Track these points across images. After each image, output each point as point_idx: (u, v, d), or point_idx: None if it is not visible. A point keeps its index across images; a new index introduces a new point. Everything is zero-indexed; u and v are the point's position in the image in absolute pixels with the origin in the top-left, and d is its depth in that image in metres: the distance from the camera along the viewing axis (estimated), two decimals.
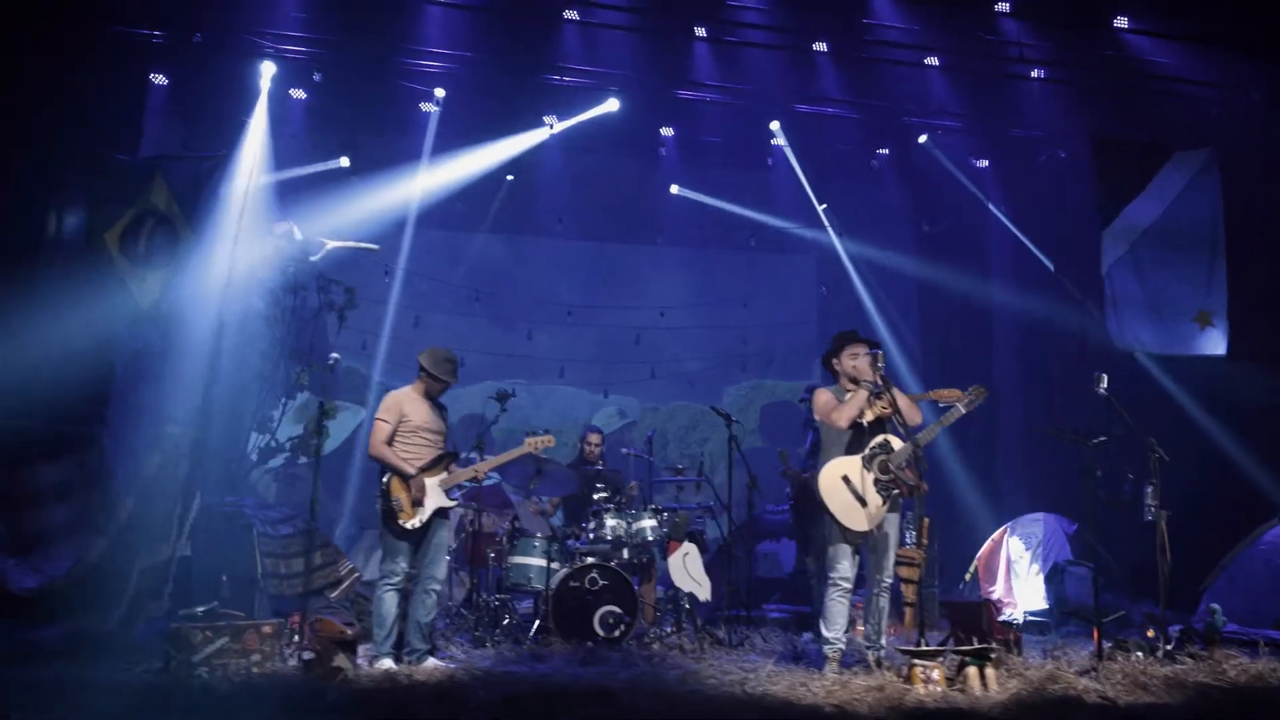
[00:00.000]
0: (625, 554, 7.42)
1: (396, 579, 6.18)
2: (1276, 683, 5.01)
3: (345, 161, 11.08)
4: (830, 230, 12.61)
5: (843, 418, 5.92)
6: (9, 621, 6.29)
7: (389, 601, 6.09)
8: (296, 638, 5.71)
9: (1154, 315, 8.34)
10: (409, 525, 6.20)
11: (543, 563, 7.36)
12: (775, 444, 13.01)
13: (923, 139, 11.06)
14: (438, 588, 6.27)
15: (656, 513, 7.58)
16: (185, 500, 6.69)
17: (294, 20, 9.85)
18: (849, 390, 6.07)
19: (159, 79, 9.95)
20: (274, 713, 3.92)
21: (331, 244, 7.81)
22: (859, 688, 4.82)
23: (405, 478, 6.26)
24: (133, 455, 7.19)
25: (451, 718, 3.92)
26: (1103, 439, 6.18)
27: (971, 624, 5.87)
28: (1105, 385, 6.44)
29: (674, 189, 12.38)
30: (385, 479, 6.34)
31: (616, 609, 6.95)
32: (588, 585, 6.99)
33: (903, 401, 5.88)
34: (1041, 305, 10.73)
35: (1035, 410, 11.17)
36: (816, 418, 6.18)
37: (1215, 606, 6.60)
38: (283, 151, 10.14)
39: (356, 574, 8.07)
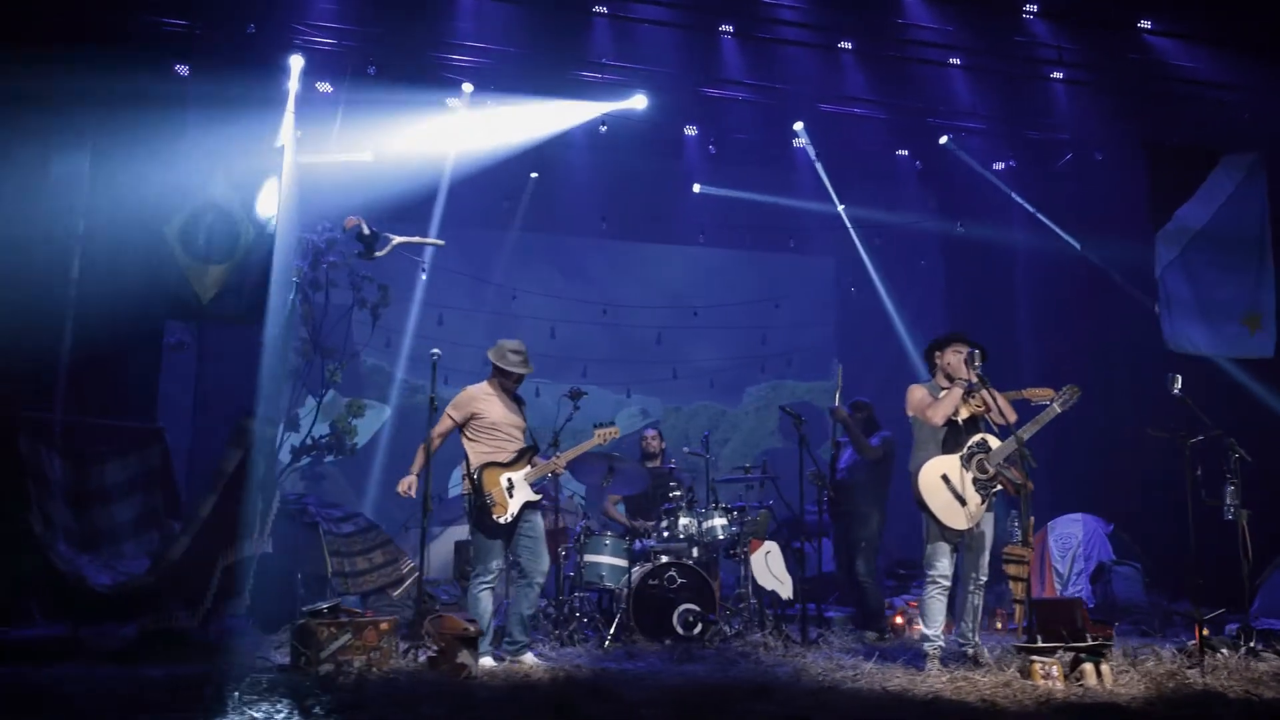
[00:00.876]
0: (695, 552, 7.45)
1: (491, 576, 6.18)
2: None
3: (368, 155, 10.99)
4: (852, 230, 12.72)
5: (938, 414, 6.00)
6: (94, 619, 6.20)
7: (485, 600, 6.07)
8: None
9: (1204, 317, 8.52)
10: (503, 520, 6.19)
11: (615, 561, 7.40)
12: (794, 443, 13.11)
13: (944, 140, 11.16)
14: (541, 580, 6.27)
15: (726, 511, 7.62)
16: (266, 497, 6.62)
17: (322, 11, 9.81)
18: (944, 387, 6.14)
19: (183, 69, 9.83)
20: (447, 710, 3.89)
21: (398, 240, 7.73)
22: (989, 684, 4.88)
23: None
24: (206, 452, 7.11)
25: (619, 716, 3.91)
26: (1200, 439, 6.28)
27: (1064, 621, 5.94)
28: (1179, 386, 6.53)
29: (696, 188, 12.40)
30: (476, 475, 6.31)
31: (695, 607, 6.99)
32: (666, 584, 7.02)
33: (999, 401, 5.96)
34: (1071, 306, 10.93)
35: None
36: (910, 413, 6.24)
37: None
38: (309, 145, 10.05)
39: (418, 572, 8.03)
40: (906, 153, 11.86)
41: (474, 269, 12.62)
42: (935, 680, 5.19)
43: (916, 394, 6.21)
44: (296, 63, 9.70)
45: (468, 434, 6.46)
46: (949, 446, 6.00)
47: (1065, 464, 10.99)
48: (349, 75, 10.24)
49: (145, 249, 7.68)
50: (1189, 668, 5.42)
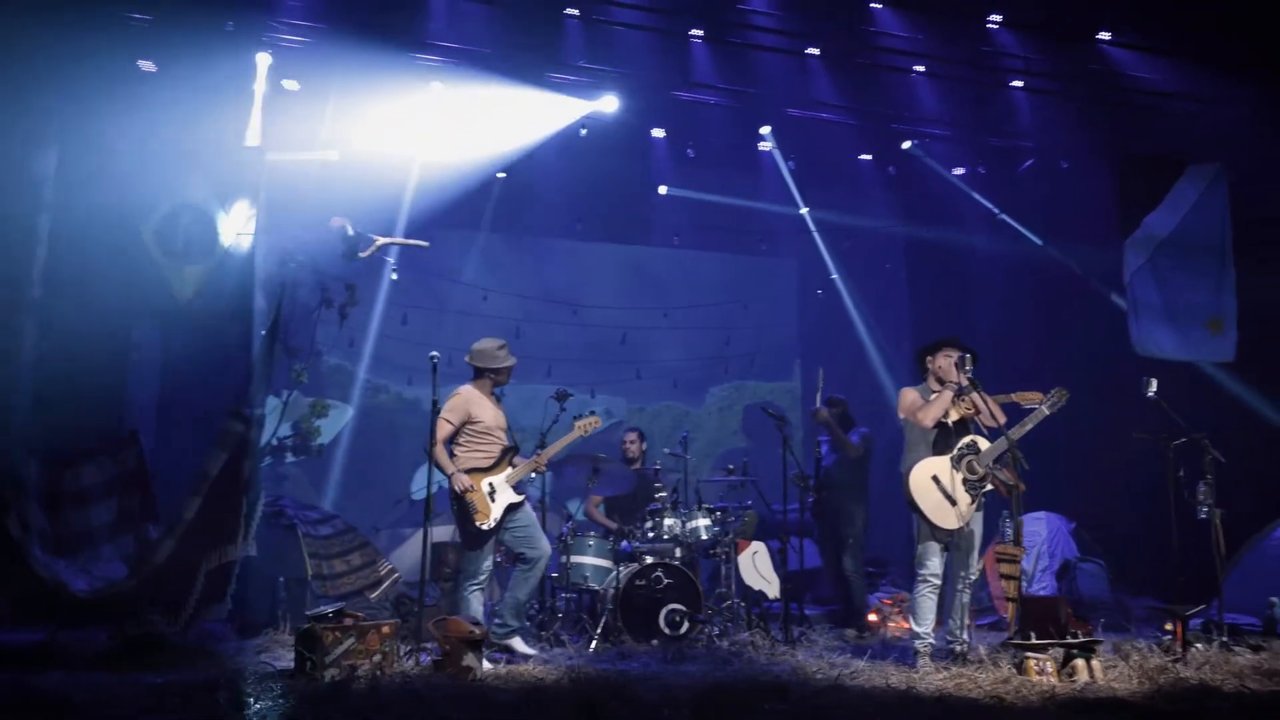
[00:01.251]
0: (678, 553, 7.48)
1: (481, 578, 6.20)
2: None
3: (334, 155, 10.84)
4: (815, 234, 12.88)
5: (928, 416, 6.11)
6: (73, 624, 6.05)
7: (475, 602, 6.09)
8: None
9: (1171, 322, 8.79)
10: (485, 526, 6.20)
11: (599, 562, 7.42)
12: (757, 443, 13.25)
13: (907, 145, 11.34)
14: (544, 562, 6.35)
15: (710, 512, 7.67)
16: (250, 499, 6.51)
17: (291, 9, 9.67)
18: (935, 390, 6.25)
19: (148, 65, 9.62)
20: (470, 713, 3.86)
21: (381, 240, 7.67)
22: (989, 681, 4.99)
23: (456, 482, 6.27)
24: (190, 454, 6.96)
25: (642, 716, 3.93)
26: (1184, 440, 6.47)
27: (1048, 618, 6.08)
28: (1155, 389, 6.73)
29: (662, 189, 12.44)
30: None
31: (682, 607, 7.02)
32: (653, 584, 7.05)
33: (988, 403, 6.09)
34: (1032, 311, 11.17)
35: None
36: (901, 415, 6.35)
37: (1275, 599, 7.00)
38: (276, 144, 9.90)
39: (397, 574, 7.97)
40: (870, 157, 12.03)
41: (440, 269, 12.51)
42: (935, 677, 5.28)
43: (908, 397, 6.32)
44: (264, 60, 9.56)
45: (458, 438, 6.44)
46: (939, 448, 6.11)
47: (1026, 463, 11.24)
48: (318, 73, 10.13)
49: (118, 249, 7.51)
50: (1174, 661, 5.58)
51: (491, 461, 6.46)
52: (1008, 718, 4.32)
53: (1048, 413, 6.11)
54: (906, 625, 7.70)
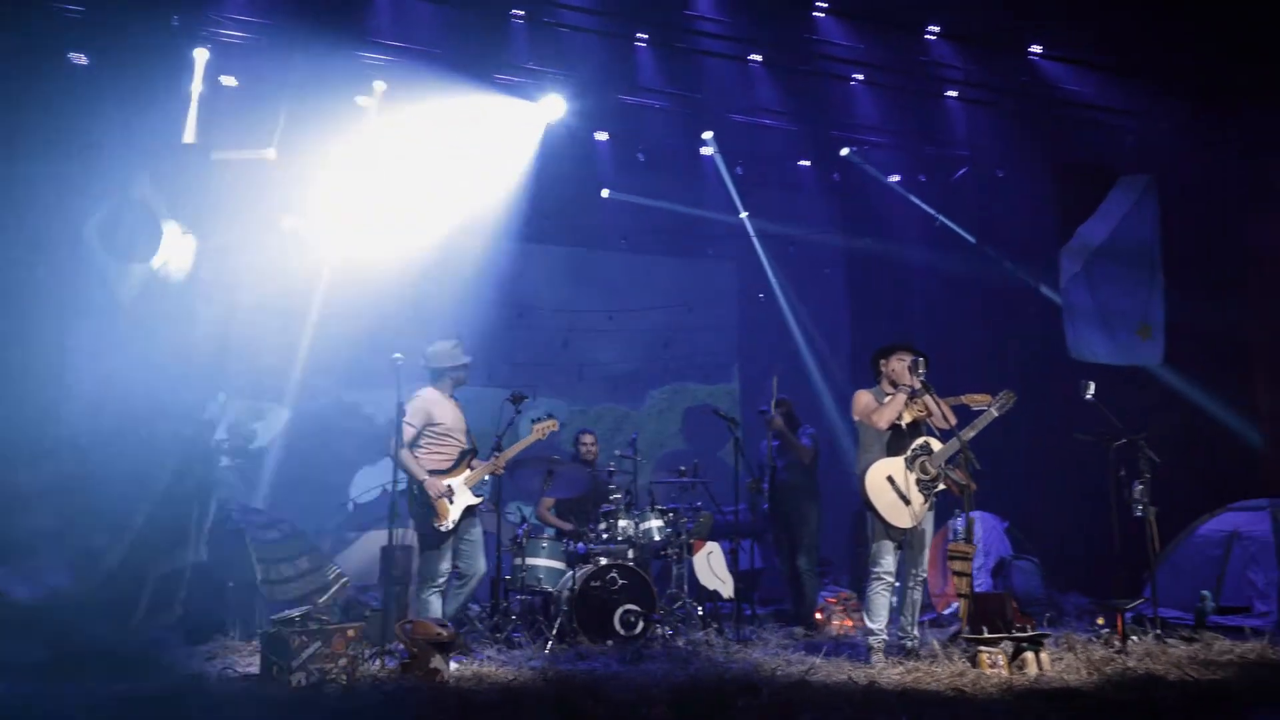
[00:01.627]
0: (631, 554, 7.54)
1: (440, 580, 6.25)
2: None
3: (272, 154, 10.67)
4: (754, 239, 13.06)
5: (883, 418, 6.26)
6: (15, 634, 5.87)
7: (434, 605, 6.12)
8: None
9: (1104, 327, 9.12)
10: (444, 528, 6.21)
11: (552, 564, 7.45)
12: (697, 446, 13.36)
13: (845, 152, 11.57)
14: (475, 583, 6.46)
15: (662, 513, 7.74)
16: (202, 505, 6.40)
17: (229, 3, 9.52)
18: (888, 393, 6.41)
19: (80, 58, 9.38)
20: (450, 714, 3.87)
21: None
22: (947, 674, 5.14)
23: (422, 483, 6.30)
24: (130, 458, 6.81)
25: (620, 715, 3.97)
26: (1124, 441, 6.71)
27: (996, 613, 6.27)
28: (1092, 392, 6.97)
29: (605, 193, 12.49)
30: (416, 485, 6.29)
31: (636, 607, 7.07)
32: (608, 585, 7.09)
33: (940, 406, 6.27)
34: (968, 316, 11.47)
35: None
36: (856, 418, 6.49)
37: (1206, 593, 7.30)
38: (214, 141, 9.72)
39: (345, 579, 7.88)
40: (809, 163, 12.24)
41: (383, 269, 12.35)
42: (893, 672, 5.42)
43: (863, 399, 6.46)
44: (201, 55, 9.40)
45: (418, 440, 6.42)
46: (893, 449, 6.27)
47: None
48: (259, 70, 9.99)
49: (56, 248, 7.32)
50: (1116, 653, 5.80)
51: (450, 464, 6.49)
52: (968, 708, 4.46)
53: (996, 414, 6.31)
54: (851, 623, 7.90)
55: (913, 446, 6.22)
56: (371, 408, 12.10)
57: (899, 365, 6.40)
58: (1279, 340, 9.55)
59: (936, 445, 6.24)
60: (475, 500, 6.44)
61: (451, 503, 6.32)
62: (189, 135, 9.20)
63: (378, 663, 5.36)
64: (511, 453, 6.81)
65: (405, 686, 4.47)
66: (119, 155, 7.72)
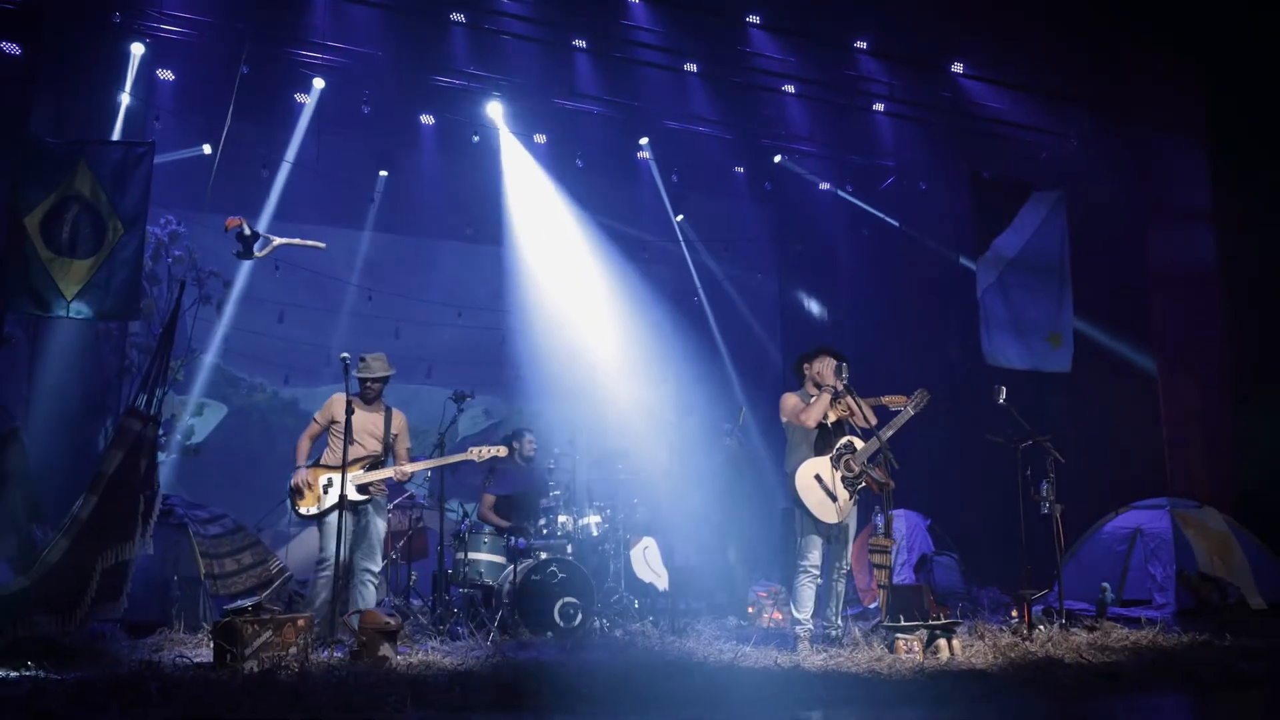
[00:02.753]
0: (569, 548, 7.81)
1: (320, 566, 6.64)
2: (1171, 644, 6.12)
3: (207, 149, 10.72)
4: (684, 244, 13.38)
5: (810, 418, 6.62)
6: None
7: (320, 587, 6.54)
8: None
9: (1018, 336, 9.63)
10: (302, 511, 6.75)
11: (493, 558, 7.69)
12: (632, 443, 13.63)
13: (778, 159, 11.96)
14: (370, 578, 6.63)
15: (600, 509, 8.02)
16: (148, 498, 6.49)
17: None
18: (813, 394, 6.76)
19: (11, 48, 9.35)
20: (405, 697, 4.09)
21: (278, 241, 7.66)
22: (865, 660, 5.50)
23: (298, 466, 6.82)
24: (69, 452, 6.87)
25: (565, 694, 4.24)
26: (1030, 442, 7.15)
27: (913, 604, 6.68)
28: (1004, 397, 7.40)
29: (541, 196, 12.68)
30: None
31: (575, 600, 7.34)
32: (548, 578, 7.34)
33: (862, 406, 6.64)
34: (891, 322, 11.95)
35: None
36: (784, 419, 6.83)
37: (1106, 585, 7.80)
38: (149, 135, 9.75)
39: (288, 573, 8.01)
40: (742, 170, 12.60)
41: (321, 267, 12.42)
42: (815, 659, 5.75)
43: (790, 401, 6.80)
44: (137, 50, 9.46)
45: (329, 438, 6.85)
46: (820, 448, 6.62)
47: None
48: (196, 65, 10.06)
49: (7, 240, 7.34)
50: (1022, 640, 6.23)
51: (337, 461, 6.70)
52: (884, 688, 4.82)
53: (912, 412, 6.71)
54: (780, 616, 8.26)
55: (838, 445, 6.58)
56: (308, 404, 12.19)
57: (823, 367, 6.75)
58: (1178, 351, 10.20)
59: (859, 444, 6.61)
60: (359, 497, 6.68)
61: (325, 493, 6.67)
62: (118, 131, 9.26)
63: (326, 652, 5.55)
64: (420, 466, 7.02)
65: (356, 671, 4.67)
66: (62, 148, 7.74)
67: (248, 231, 7.50)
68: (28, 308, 7.49)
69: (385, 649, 5.18)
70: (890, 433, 6.60)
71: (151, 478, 6.61)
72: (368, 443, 6.83)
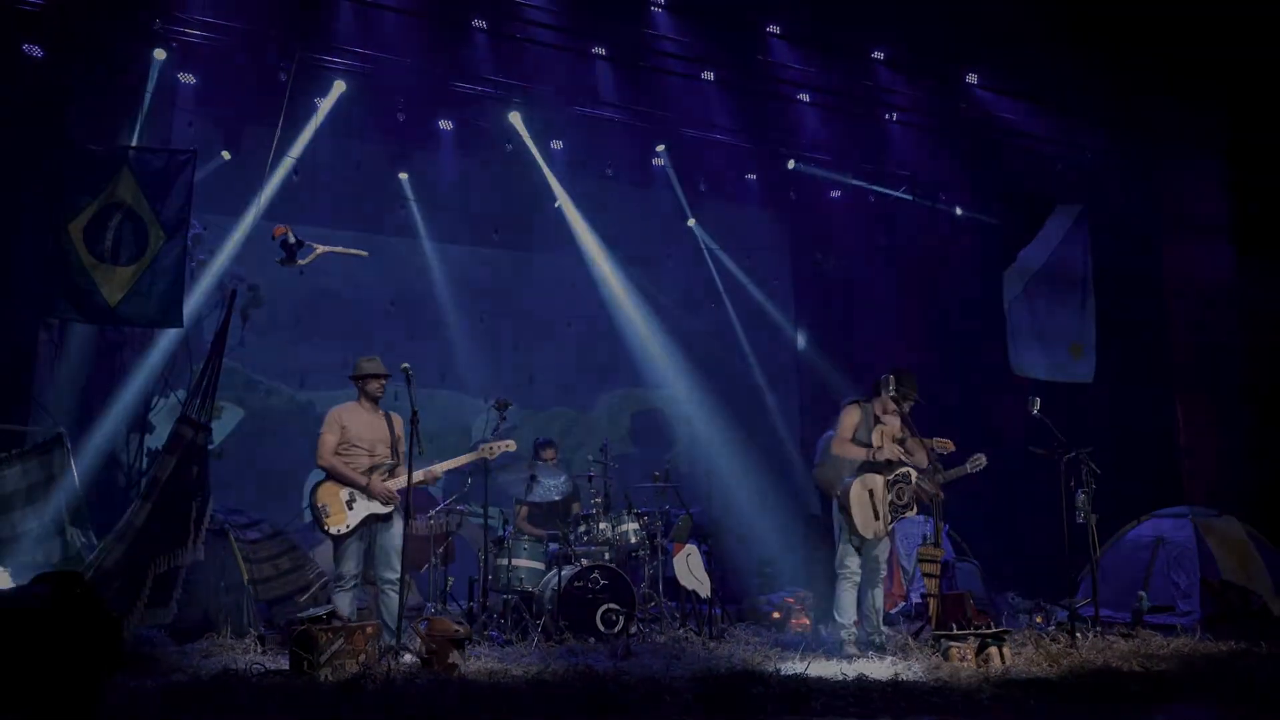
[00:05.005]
0: (607, 555, 7.87)
1: (343, 581, 6.42)
2: (1215, 652, 6.24)
3: (226, 155, 10.70)
4: (704, 248, 13.46)
5: (845, 453, 6.74)
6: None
7: (340, 602, 6.29)
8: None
9: (1042, 346, 9.76)
10: (335, 531, 6.42)
11: (533, 564, 7.74)
12: (646, 451, 13.72)
13: (791, 164, 12.03)
14: (389, 587, 6.42)
15: (638, 516, 8.09)
16: (199, 504, 6.51)
17: (192, 3, 9.58)
18: (879, 414, 6.83)
19: (32, 49, 9.30)
20: (490, 704, 4.13)
21: (321, 249, 7.69)
22: (924, 668, 5.58)
23: (356, 486, 6.51)
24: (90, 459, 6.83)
25: (648, 702, 4.29)
26: (1074, 454, 7.27)
27: (956, 612, 6.77)
28: (1039, 408, 7.51)
29: (557, 203, 12.73)
30: (311, 488, 6.60)
31: (616, 606, 7.39)
32: (591, 584, 7.40)
33: (919, 446, 6.75)
34: (911, 332, 12.02)
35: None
36: (834, 431, 6.91)
37: (1143, 594, 7.92)
38: (167, 139, 9.74)
39: (326, 577, 8.01)
40: (755, 177, 12.67)
41: (343, 272, 12.41)
42: (878, 667, 5.80)
43: (848, 419, 6.87)
44: (160, 55, 9.43)
45: (339, 449, 6.69)
46: (875, 466, 6.70)
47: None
48: (219, 70, 10.03)
49: (41, 247, 7.32)
50: (1070, 648, 6.33)
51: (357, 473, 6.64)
52: (955, 697, 4.90)
53: (970, 471, 6.88)
54: (807, 621, 8.35)
55: (896, 472, 6.68)
56: (325, 407, 12.17)
57: (904, 405, 6.80)
58: (1196, 362, 10.35)
59: (915, 475, 6.70)
60: (383, 509, 6.53)
61: (350, 509, 6.47)
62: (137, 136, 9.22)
63: (399, 659, 5.57)
64: (446, 466, 6.97)
65: (437, 680, 4.71)
66: (100, 154, 7.73)
67: (293, 239, 7.52)
68: (70, 313, 7.48)
69: (455, 656, 5.22)
70: (944, 481, 6.74)
71: (203, 484, 6.63)
72: (379, 450, 6.76)
